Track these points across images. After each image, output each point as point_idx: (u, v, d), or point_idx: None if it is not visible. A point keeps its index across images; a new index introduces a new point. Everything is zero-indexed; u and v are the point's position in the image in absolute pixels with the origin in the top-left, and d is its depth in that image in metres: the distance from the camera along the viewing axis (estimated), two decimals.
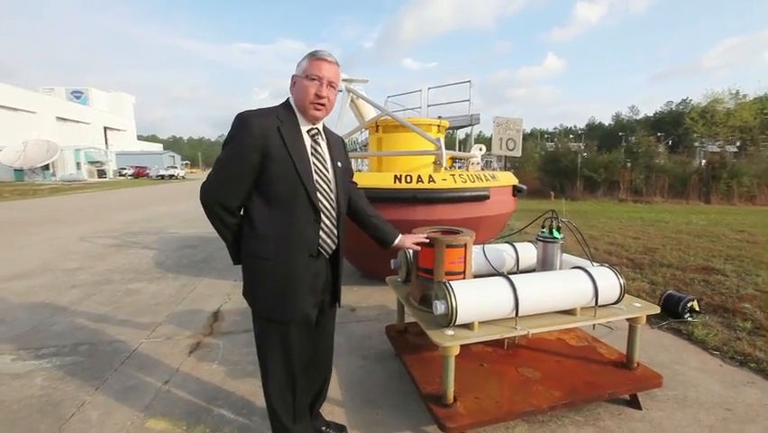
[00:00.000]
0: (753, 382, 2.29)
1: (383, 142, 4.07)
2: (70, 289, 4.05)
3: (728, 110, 20.56)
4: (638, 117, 67.92)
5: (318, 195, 1.42)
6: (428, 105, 13.36)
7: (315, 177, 1.42)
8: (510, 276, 1.86)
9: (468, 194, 3.26)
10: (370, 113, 4.90)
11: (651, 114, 64.65)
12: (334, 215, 1.50)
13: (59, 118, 40.89)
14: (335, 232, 1.51)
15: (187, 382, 2.31)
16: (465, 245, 1.95)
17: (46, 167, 32.33)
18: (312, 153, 1.44)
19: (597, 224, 8.22)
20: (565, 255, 2.35)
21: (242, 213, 1.45)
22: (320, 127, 1.50)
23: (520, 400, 1.82)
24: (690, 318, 3.06)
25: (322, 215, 1.44)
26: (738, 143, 21.15)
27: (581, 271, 1.98)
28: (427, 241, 1.89)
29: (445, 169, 3.79)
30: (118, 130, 54.21)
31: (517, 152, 5.71)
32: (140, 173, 40.07)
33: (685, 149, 23.24)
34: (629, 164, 15.98)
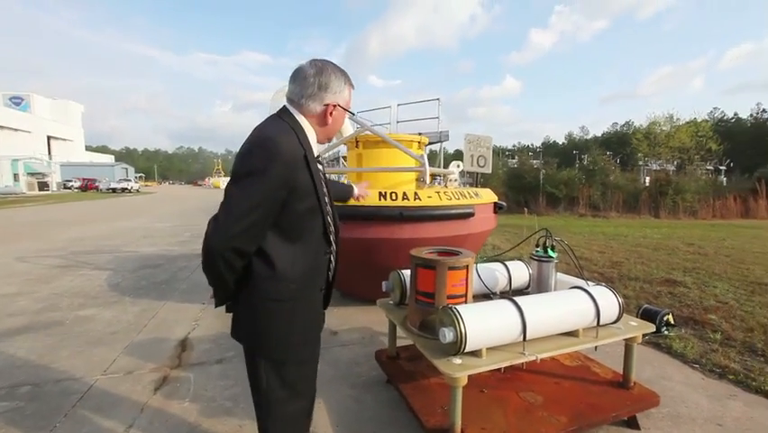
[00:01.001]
0: (734, 394, 2.36)
1: (363, 158, 3.98)
2: (6, 318, 3.55)
3: (669, 132, 22.48)
4: (588, 137, 72.98)
5: (329, 222, 1.32)
6: (398, 122, 13.51)
7: (326, 200, 1.31)
8: (515, 298, 1.80)
9: (454, 211, 3.22)
10: (348, 127, 4.81)
11: (599, 134, 69.71)
12: (335, 239, 1.40)
13: None
14: (335, 254, 1.42)
15: (155, 424, 2.03)
16: (467, 267, 1.87)
17: None
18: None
19: (563, 238, 8.52)
20: (560, 275, 2.34)
21: None
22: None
23: (527, 428, 1.74)
24: (666, 332, 3.16)
25: (332, 244, 1.35)
26: (676, 163, 23.14)
27: (581, 291, 1.96)
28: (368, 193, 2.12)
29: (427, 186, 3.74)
30: (63, 140, 50.47)
31: (488, 169, 5.84)
32: (88, 186, 37.34)
33: (633, 167, 25.09)
34: (584, 180, 16.98)
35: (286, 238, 1.19)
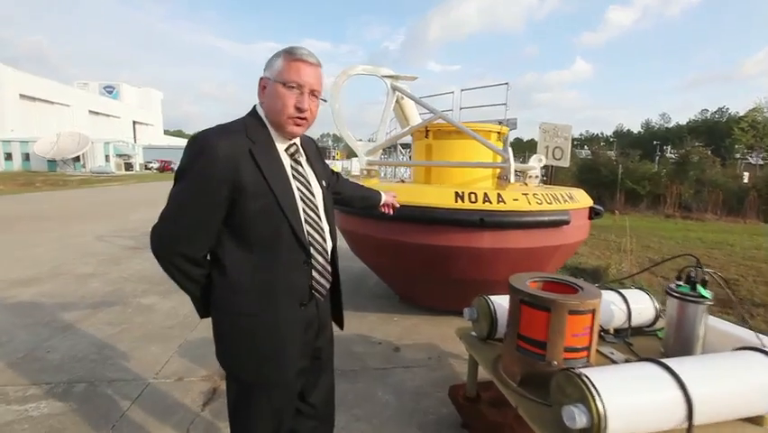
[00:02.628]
0: None
1: (433, 150, 3.50)
2: (79, 300, 3.66)
3: None
4: (670, 125, 65.21)
5: (307, 227, 1.14)
6: (460, 108, 12.68)
7: (302, 206, 1.14)
8: (666, 362, 1.26)
9: (546, 218, 2.66)
10: (415, 114, 4.35)
11: (683, 122, 61.82)
12: (327, 248, 1.21)
13: (91, 112, 42.30)
14: (329, 268, 1.23)
15: None
16: (593, 312, 1.36)
17: (77, 158, 33.24)
18: (294, 176, 1.15)
19: (651, 244, 7.41)
20: (712, 319, 1.73)
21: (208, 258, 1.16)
22: (298, 142, 1.21)
23: None
24: None
25: (312, 250, 1.15)
26: None
27: (762, 354, 1.36)
28: (397, 204, 1.82)
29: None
30: (146, 124, 55.64)
31: (565, 162, 5.11)
32: (165, 167, 40.71)
33: (730, 161, 21.77)
34: (671, 175, 14.87)
35: (240, 243, 1.07)
